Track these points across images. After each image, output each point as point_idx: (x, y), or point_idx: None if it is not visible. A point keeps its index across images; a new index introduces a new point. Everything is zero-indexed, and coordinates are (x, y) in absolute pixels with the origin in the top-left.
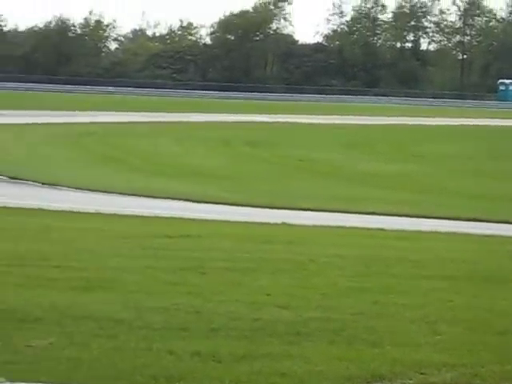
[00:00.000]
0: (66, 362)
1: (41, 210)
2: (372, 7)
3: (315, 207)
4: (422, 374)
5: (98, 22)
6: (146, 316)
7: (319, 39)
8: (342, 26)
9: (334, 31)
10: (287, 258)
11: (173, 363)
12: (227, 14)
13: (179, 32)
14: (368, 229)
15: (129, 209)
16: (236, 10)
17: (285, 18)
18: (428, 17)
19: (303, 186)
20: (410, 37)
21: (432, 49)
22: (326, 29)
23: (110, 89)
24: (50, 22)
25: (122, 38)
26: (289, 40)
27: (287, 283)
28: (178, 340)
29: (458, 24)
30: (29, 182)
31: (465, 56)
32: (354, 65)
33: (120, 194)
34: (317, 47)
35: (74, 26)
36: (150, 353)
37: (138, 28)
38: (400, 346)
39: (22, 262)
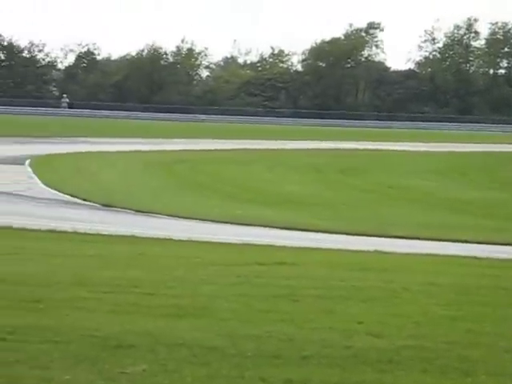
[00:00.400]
0: None
1: (134, 237)
2: (465, 34)
3: (407, 235)
4: None
5: (190, 50)
6: (238, 343)
7: (411, 66)
8: (434, 53)
9: (426, 58)
10: (379, 286)
11: None
12: (318, 41)
13: (270, 59)
14: (461, 257)
15: (221, 236)
16: (327, 37)
17: (376, 45)
18: None
19: (394, 213)
20: (504, 63)
21: None
22: (417, 55)
23: (202, 116)
24: (143, 51)
25: (214, 66)
26: (380, 67)
27: (379, 311)
28: (271, 367)
29: None
30: (122, 209)
31: None
32: (447, 91)
33: (212, 221)
34: (408, 74)
35: (166, 54)
36: (243, 380)
37: (229, 56)
38: (494, 376)
39: (116, 289)
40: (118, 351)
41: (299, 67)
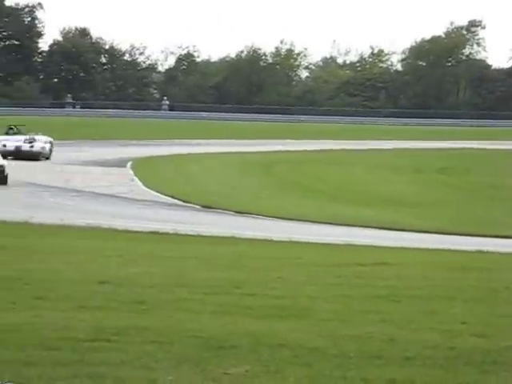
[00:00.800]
0: None
1: (234, 238)
2: None
3: (510, 234)
4: None
5: (289, 51)
6: (339, 344)
7: None
8: None
9: None
10: (482, 286)
11: None
12: (418, 39)
13: (370, 59)
14: None
15: (321, 237)
16: (428, 36)
17: (477, 43)
18: None
19: (496, 213)
20: None
21: None
22: None
23: (302, 117)
24: (242, 52)
25: (313, 66)
26: (482, 65)
27: (482, 311)
28: (373, 368)
29: None
30: (221, 211)
31: None
32: None
33: (312, 222)
34: (511, 72)
35: (266, 55)
36: (345, 381)
37: (328, 56)
38: None
39: (217, 290)
40: (220, 352)
41: (399, 66)
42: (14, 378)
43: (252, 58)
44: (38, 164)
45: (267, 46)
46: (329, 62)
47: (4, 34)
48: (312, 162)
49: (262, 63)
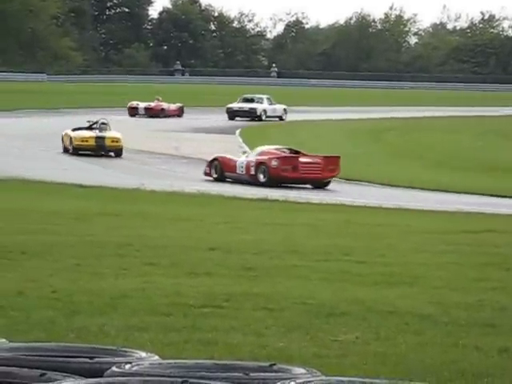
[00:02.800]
0: (372, 357)
1: (343, 205)
2: None
3: None
4: None
5: (399, 17)
6: (450, 312)
7: None
8: None
9: None
10: None
11: (480, 359)
12: None
13: (480, 25)
14: None
15: (430, 204)
16: None
17: None
18: None
19: None
20: None
21: None
22: None
23: (410, 84)
24: (351, 18)
25: (422, 33)
26: None
27: None
28: (485, 336)
29: None
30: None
31: None
32: None
33: (421, 189)
34: None
35: (375, 22)
36: (457, 349)
37: (438, 22)
38: None
39: (327, 257)
40: (330, 319)
41: (510, 32)
42: (127, 343)
43: (361, 25)
44: (149, 131)
45: (376, 12)
46: (438, 29)
47: (115, 1)
48: (420, 129)
49: (370, 30)
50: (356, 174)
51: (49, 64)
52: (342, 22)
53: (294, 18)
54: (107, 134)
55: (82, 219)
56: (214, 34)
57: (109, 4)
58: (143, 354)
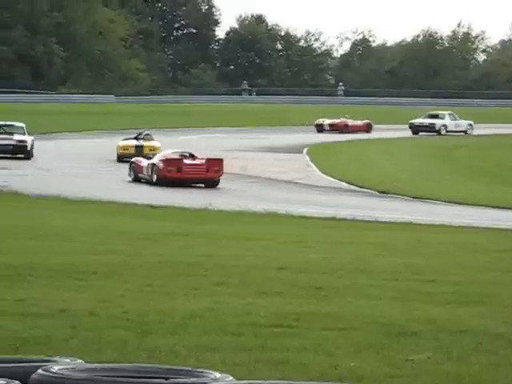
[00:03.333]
0: (445, 377)
1: (411, 223)
2: None
3: None
4: None
5: (466, 34)
6: None
7: None
8: None
9: None
10: None
11: None
12: None
13: None
14: None
15: (501, 222)
16: None
17: None
18: None
19: None
20: None
21: None
22: None
23: (478, 101)
24: (418, 36)
25: (491, 50)
26: None
27: None
28: None
29: None
30: (398, 196)
31: None
32: None
33: (490, 207)
34: None
35: (442, 39)
36: None
37: (506, 39)
38: None
39: (397, 276)
40: (401, 338)
41: None
42: (198, 363)
43: (428, 42)
44: (218, 151)
45: (444, 30)
46: (507, 45)
47: (182, 22)
48: (492, 147)
49: (438, 47)
50: (424, 191)
51: (117, 85)
52: (409, 39)
53: (360, 37)
54: (146, 143)
55: (152, 239)
56: (281, 53)
57: (176, 25)
58: (217, 375)
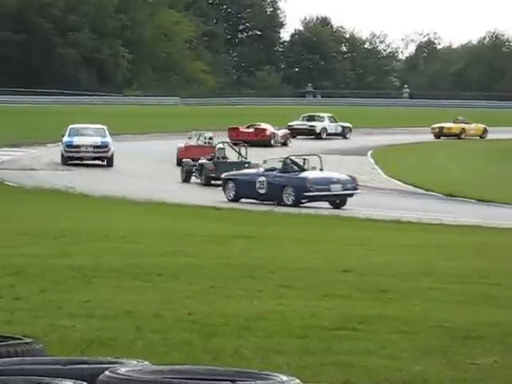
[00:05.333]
0: None
1: (478, 227)
2: None
3: None
4: None
5: None
6: None
7: None
8: None
9: None
10: None
11: None
12: None
13: None
14: None
15: None
16: None
17: None
18: None
19: None
20: None
21: None
22: None
23: None
24: (484, 38)
25: None
26: None
27: None
28: None
29: None
30: (464, 199)
31: None
32: None
33: None
34: None
35: (509, 42)
36: None
37: None
38: None
39: (463, 280)
40: (467, 342)
41: None
42: (263, 366)
43: (494, 44)
44: (278, 152)
45: (510, 32)
46: None
47: (247, 24)
48: None
49: (504, 49)
50: (492, 194)
51: (182, 87)
52: (474, 41)
53: (426, 39)
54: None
55: (217, 241)
56: (346, 56)
57: (241, 27)
58: (284, 378)
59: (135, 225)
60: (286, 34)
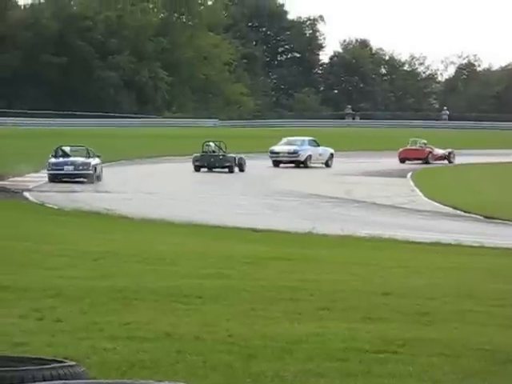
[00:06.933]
0: None
1: None
2: None
3: None
4: None
5: None
6: None
7: None
8: None
9: None
10: None
11: None
12: None
13: None
14: None
15: None
16: None
17: None
18: None
19: None
20: None
21: None
22: None
23: None
24: None
25: None
26: None
27: None
28: None
29: None
30: (505, 221)
31: None
32: None
33: None
34: None
35: None
36: None
37: None
38: None
39: (505, 303)
40: (508, 366)
41: None
42: None
43: None
44: (318, 174)
45: None
46: None
47: (286, 47)
48: None
49: None
50: None
51: (221, 109)
52: None
53: (465, 61)
54: None
55: (256, 263)
56: (385, 78)
57: (280, 50)
58: None
59: (175, 247)
60: (325, 56)
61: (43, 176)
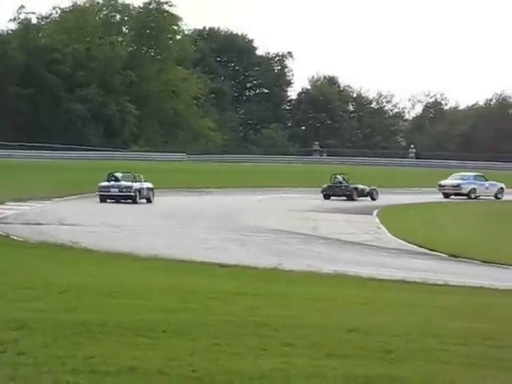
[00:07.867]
0: None
1: (481, 288)
2: None
3: None
4: None
5: None
6: None
7: None
8: None
9: None
10: None
11: None
12: None
13: None
14: None
15: None
16: None
17: None
18: None
19: None
20: None
21: None
22: None
23: None
24: (491, 100)
25: None
26: None
27: None
28: None
29: None
30: (468, 260)
31: None
32: None
33: None
34: None
35: None
36: None
37: None
38: None
39: (466, 341)
40: None
41: None
42: None
43: (501, 106)
44: (284, 211)
45: None
46: None
47: (255, 82)
48: None
49: (511, 111)
50: (496, 255)
51: (189, 143)
52: (481, 103)
53: (432, 99)
54: None
55: (221, 298)
56: (353, 115)
57: (248, 85)
58: None
59: (141, 280)
60: (293, 93)
61: (7, 208)
